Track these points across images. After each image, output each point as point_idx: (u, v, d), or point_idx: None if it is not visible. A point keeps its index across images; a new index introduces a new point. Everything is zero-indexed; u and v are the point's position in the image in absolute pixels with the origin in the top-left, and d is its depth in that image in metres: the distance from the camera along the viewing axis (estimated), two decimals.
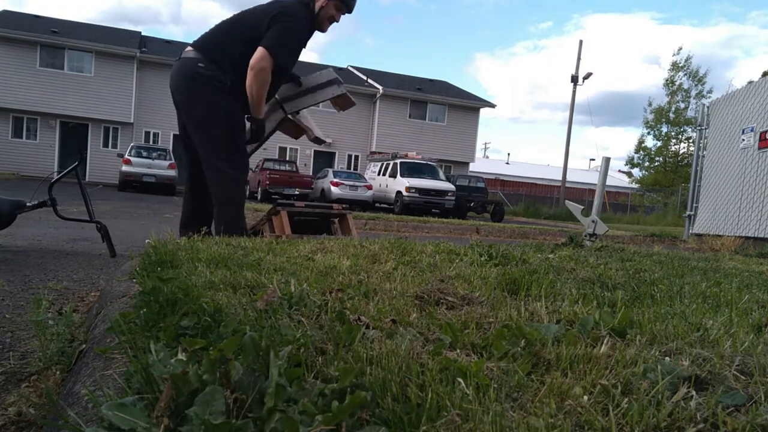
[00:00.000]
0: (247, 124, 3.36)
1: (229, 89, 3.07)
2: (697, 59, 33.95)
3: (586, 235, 3.87)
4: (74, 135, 21.96)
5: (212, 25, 3.31)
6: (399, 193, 16.44)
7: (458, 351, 0.97)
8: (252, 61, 3.04)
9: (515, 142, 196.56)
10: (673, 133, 28.65)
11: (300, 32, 3.20)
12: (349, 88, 4.13)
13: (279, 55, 3.09)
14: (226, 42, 3.14)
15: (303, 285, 1.37)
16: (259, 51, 3.04)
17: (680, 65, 28.07)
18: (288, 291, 1.31)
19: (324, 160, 25.51)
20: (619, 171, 36.69)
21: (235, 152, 3.16)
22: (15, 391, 1.15)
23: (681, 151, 28.63)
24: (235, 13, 3.35)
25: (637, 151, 29.88)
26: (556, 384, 0.81)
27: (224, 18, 3.33)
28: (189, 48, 3.17)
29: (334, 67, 19.44)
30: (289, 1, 3.20)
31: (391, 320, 1.14)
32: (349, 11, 3.37)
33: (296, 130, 3.81)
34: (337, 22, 3.39)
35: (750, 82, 7.47)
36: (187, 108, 3.14)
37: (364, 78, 26.85)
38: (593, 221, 3.86)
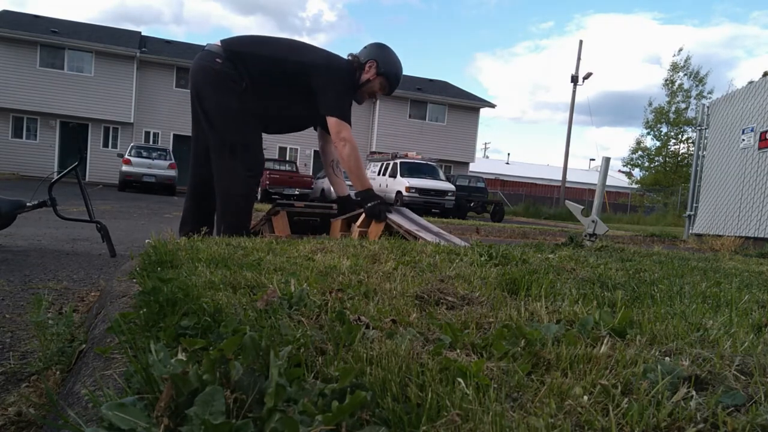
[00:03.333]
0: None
1: (243, 91, 3.05)
2: (699, 59, 33.78)
3: (586, 235, 3.86)
4: (74, 135, 21.95)
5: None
6: (399, 193, 16.43)
7: (458, 351, 0.97)
8: (342, 134, 3.08)
9: (515, 142, 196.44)
10: (672, 134, 28.64)
11: (350, 88, 3.24)
12: None
13: (348, 117, 3.15)
14: (253, 51, 3.12)
15: (303, 285, 1.37)
16: (338, 124, 3.07)
17: (680, 66, 28.08)
18: (288, 291, 1.31)
19: None
20: (619, 171, 36.67)
21: (246, 152, 3.13)
22: (15, 391, 1.15)
23: (681, 152, 28.61)
24: (276, 35, 3.39)
25: (635, 152, 29.86)
26: (556, 384, 0.81)
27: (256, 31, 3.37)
28: (216, 42, 3.17)
29: None
30: (340, 59, 3.24)
31: (391, 320, 1.14)
32: (389, 94, 3.45)
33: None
34: (375, 100, 3.51)
35: (750, 82, 7.47)
36: (200, 99, 3.13)
37: None
38: (593, 221, 3.86)
